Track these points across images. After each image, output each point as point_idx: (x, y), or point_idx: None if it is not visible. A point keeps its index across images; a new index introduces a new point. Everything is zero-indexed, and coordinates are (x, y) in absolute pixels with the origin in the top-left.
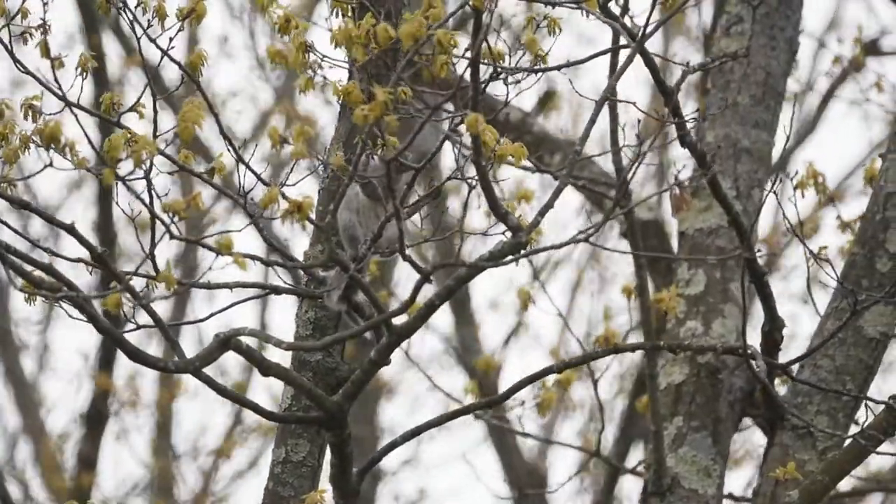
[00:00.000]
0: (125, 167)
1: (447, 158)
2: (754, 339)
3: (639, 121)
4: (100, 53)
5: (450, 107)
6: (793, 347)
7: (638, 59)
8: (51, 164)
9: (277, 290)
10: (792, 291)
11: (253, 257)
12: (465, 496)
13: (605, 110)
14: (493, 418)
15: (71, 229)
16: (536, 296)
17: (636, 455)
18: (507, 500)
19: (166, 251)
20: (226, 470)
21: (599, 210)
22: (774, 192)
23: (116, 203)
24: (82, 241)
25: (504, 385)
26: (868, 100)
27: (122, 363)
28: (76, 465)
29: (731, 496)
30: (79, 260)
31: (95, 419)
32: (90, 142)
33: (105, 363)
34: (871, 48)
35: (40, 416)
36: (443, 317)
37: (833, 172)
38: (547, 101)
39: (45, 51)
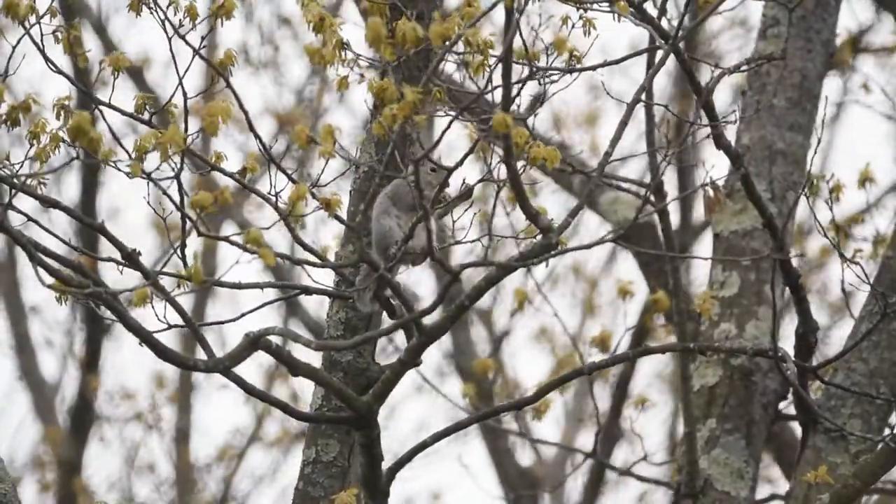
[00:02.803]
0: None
1: None
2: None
3: (668, 122)
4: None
5: None
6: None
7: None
8: (77, 157)
9: (308, 291)
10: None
11: (283, 256)
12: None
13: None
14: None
15: (101, 229)
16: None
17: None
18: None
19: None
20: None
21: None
22: (806, 196)
23: (149, 205)
24: (112, 240)
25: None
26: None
27: (111, 364)
28: (60, 468)
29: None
30: (109, 259)
31: (81, 420)
32: (116, 138)
33: (91, 363)
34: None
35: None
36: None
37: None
38: (538, 102)
39: (69, 47)
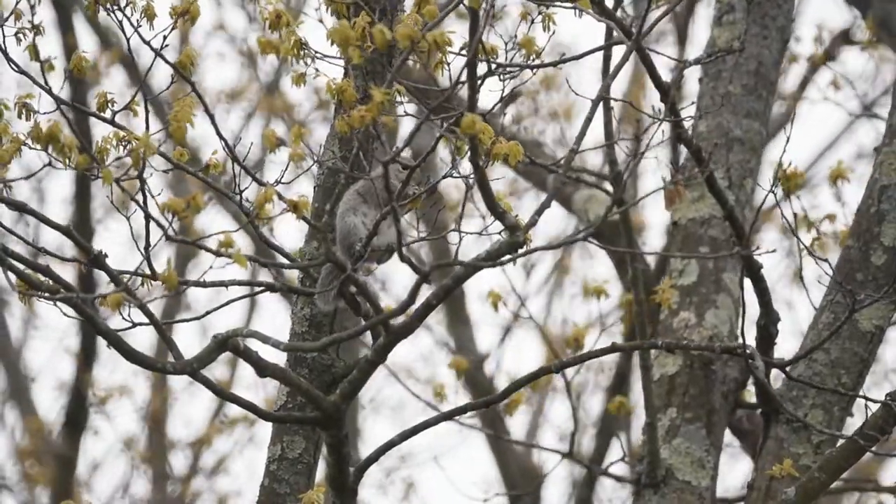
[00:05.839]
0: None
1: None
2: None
3: (637, 120)
4: (75, 49)
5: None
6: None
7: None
8: (50, 164)
9: (274, 288)
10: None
11: (252, 258)
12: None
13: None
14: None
15: (68, 231)
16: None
17: (614, 454)
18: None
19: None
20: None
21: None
22: (773, 192)
23: (113, 205)
24: (79, 243)
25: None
26: (826, 98)
27: (103, 361)
28: (56, 466)
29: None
30: (75, 260)
31: (76, 420)
32: (83, 143)
33: (86, 363)
34: (844, 39)
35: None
36: (436, 315)
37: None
38: (512, 100)
39: (35, 54)
